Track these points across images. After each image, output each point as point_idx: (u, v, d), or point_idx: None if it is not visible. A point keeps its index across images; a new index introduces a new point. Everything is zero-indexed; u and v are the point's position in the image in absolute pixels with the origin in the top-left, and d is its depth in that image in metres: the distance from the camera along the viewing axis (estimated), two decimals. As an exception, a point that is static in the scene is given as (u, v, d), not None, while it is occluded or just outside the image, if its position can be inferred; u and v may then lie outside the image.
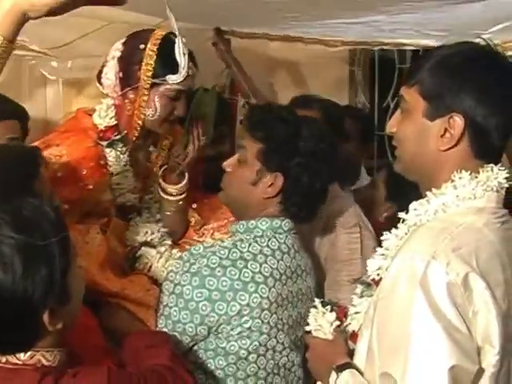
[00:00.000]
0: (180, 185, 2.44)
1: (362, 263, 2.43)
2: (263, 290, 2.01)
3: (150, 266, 2.29)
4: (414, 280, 1.48)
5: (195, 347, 2.06)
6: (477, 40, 1.71)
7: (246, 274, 2.00)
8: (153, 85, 2.30)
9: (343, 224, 2.49)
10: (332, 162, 2.15)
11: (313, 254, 2.41)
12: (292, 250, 2.13)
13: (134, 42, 2.32)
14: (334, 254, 2.47)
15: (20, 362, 1.51)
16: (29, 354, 1.51)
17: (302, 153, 2.07)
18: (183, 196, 2.45)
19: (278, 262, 2.08)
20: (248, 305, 1.99)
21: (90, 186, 2.31)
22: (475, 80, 1.59)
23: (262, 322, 2.02)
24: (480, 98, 1.57)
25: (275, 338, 2.06)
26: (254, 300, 2.00)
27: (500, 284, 1.53)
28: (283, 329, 2.08)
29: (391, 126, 1.71)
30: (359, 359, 1.67)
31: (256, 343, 2.03)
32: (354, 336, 1.78)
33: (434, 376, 1.43)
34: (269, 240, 2.09)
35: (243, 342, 2.02)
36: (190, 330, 2.01)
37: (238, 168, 2.15)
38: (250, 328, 2.01)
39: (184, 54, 2.27)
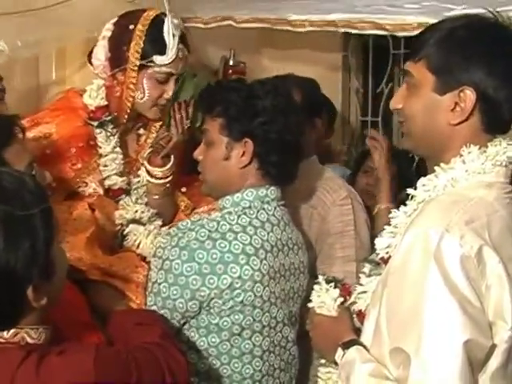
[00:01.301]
0: (165, 167, 2.39)
1: (354, 235, 2.44)
2: (254, 262, 1.98)
3: (139, 243, 2.25)
4: (427, 253, 1.46)
5: (187, 325, 2.02)
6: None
7: (237, 246, 1.97)
8: (141, 67, 2.27)
9: (334, 197, 2.47)
10: (294, 113, 2.11)
11: (304, 233, 2.37)
12: (282, 223, 2.10)
13: (125, 22, 2.28)
14: (326, 228, 2.45)
15: (3, 340, 1.44)
16: (12, 331, 1.45)
17: (261, 111, 2.04)
18: (169, 179, 2.40)
19: (268, 233, 2.04)
20: (239, 277, 1.96)
21: (79, 165, 2.30)
22: (485, 52, 1.56)
23: (255, 295, 1.99)
24: (490, 70, 1.55)
25: (268, 312, 2.04)
26: (246, 272, 1.96)
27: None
28: (276, 303, 2.06)
29: (396, 102, 1.67)
30: (366, 338, 1.64)
31: (249, 318, 2.00)
32: (360, 315, 1.75)
33: (448, 350, 1.41)
34: (257, 212, 2.05)
35: (236, 317, 1.99)
36: (181, 305, 1.97)
37: (207, 152, 2.11)
38: (242, 302, 1.98)
39: (174, 36, 2.23)
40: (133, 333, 1.73)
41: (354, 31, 3.05)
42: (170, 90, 2.31)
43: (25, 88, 2.88)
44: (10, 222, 1.40)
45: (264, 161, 2.06)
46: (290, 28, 3.19)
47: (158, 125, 2.48)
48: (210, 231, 1.97)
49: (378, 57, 4.22)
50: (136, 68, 2.27)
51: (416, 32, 2.72)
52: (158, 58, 2.26)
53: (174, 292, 1.96)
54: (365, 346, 1.63)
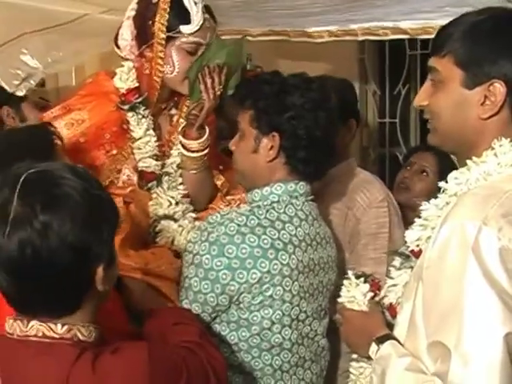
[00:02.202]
0: (201, 139, 2.28)
1: (388, 237, 2.44)
2: (283, 257, 1.99)
3: (173, 240, 2.20)
4: (465, 246, 1.45)
5: (217, 320, 2.03)
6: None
7: (266, 241, 1.97)
8: (168, 39, 2.20)
9: (371, 199, 2.48)
10: (325, 110, 2.09)
11: (338, 233, 2.39)
12: (310, 217, 2.10)
13: None
14: (361, 229, 2.46)
15: (57, 336, 1.45)
16: (66, 327, 1.46)
17: (291, 106, 2.04)
18: (206, 152, 2.30)
19: (296, 228, 2.05)
20: (269, 272, 1.96)
21: (114, 151, 2.25)
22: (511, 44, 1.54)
23: (284, 289, 2.00)
24: None
25: (298, 306, 2.04)
26: (275, 267, 1.97)
27: None
28: (305, 297, 2.06)
29: (422, 99, 1.66)
30: (399, 332, 1.64)
31: (279, 312, 2.01)
32: (391, 309, 1.74)
33: (489, 343, 1.41)
34: (286, 206, 2.06)
35: (265, 311, 2.00)
36: (212, 300, 1.98)
37: (238, 143, 2.12)
38: (271, 296, 1.98)
39: (195, 3, 2.18)
40: (171, 332, 1.73)
41: (374, 38, 3.05)
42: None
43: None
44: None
45: (291, 156, 2.06)
46: (308, 39, 3.20)
47: (189, 103, 2.38)
48: (239, 225, 1.98)
49: (394, 58, 4.22)
50: (163, 41, 2.20)
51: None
52: (184, 28, 2.20)
53: (205, 286, 1.98)
54: (398, 340, 1.63)
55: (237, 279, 1.96)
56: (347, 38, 3.09)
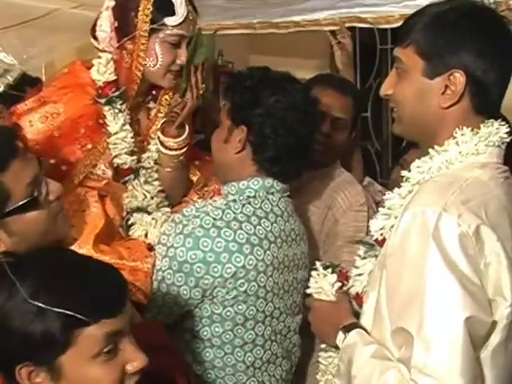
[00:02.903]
0: (180, 138, 2.27)
1: None
2: (258, 252, 2.00)
3: (146, 233, 2.18)
4: (426, 233, 1.47)
5: (190, 314, 2.03)
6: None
7: (241, 236, 1.98)
8: (151, 31, 2.16)
9: (351, 202, 2.48)
10: (299, 111, 2.05)
11: (315, 231, 2.41)
12: (285, 214, 2.11)
13: None
14: (338, 230, 2.46)
15: None
16: None
17: (263, 103, 2.03)
18: (184, 151, 2.29)
19: (271, 224, 2.05)
20: (243, 267, 1.97)
21: (89, 146, 2.21)
22: (473, 35, 1.58)
23: (259, 285, 2.00)
24: (479, 53, 1.57)
25: (271, 302, 2.05)
26: (250, 262, 1.98)
27: (509, 237, 1.54)
28: (279, 293, 2.07)
29: (386, 88, 1.69)
30: (366, 320, 1.67)
31: (253, 308, 2.01)
32: (358, 298, 1.76)
33: (450, 327, 1.43)
34: (262, 202, 2.06)
35: (239, 307, 2.00)
36: (185, 292, 1.98)
37: (215, 132, 2.15)
38: (245, 292, 1.99)
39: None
40: None
41: (337, 28, 3.07)
42: (182, 54, 2.21)
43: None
44: None
45: (258, 153, 2.06)
46: (274, 30, 3.20)
47: (168, 96, 2.37)
48: (214, 219, 1.98)
49: (365, 52, 4.23)
50: (146, 33, 2.16)
51: (399, 23, 2.76)
52: (169, 20, 2.16)
53: (179, 279, 1.98)
54: (365, 329, 1.65)
55: (211, 273, 1.96)
56: (312, 28, 3.11)
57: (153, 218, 2.20)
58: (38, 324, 1.33)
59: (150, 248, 2.15)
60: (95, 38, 2.23)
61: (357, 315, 1.73)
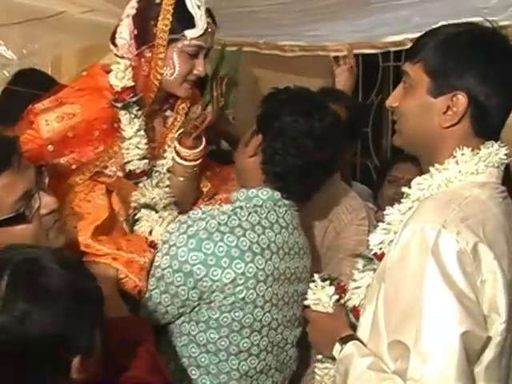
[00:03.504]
0: (196, 150, 2.30)
1: None
2: (260, 262, 2.01)
3: (151, 231, 2.18)
4: (425, 248, 1.51)
5: (187, 318, 2.05)
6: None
7: (244, 243, 2.00)
8: (170, 41, 2.18)
9: (353, 216, 2.50)
10: (322, 145, 2.06)
11: (316, 244, 2.42)
12: (290, 226, 2.13)
13: None
14: (340, 243, 2.47)
15: None
16: None
17: (281, 118, 2.06)
18: (198, 162, 2.32)
19: (275, 235, 2.07)
20: (243, 274, 1.99)
21: (101, 148, 2.23)
22: (479, 60, 1.62)
23: (257, 294, 2.02)
24: (483, 77, 1.61)
25: (269, 313, 2.06)
26: (250, 270, 1.99)
27: (505, 255, 1.58)
28: (278, 304, 2.08)
29: (393, 100, 1.74)
30: (362, 333, 1.70)
31: (250, 316, 2.02)
32: (355, 310, 1.80)
33: (447, 341, 1.46)
34: (268, 212, 2.08)
35: (236, 314, 2.01)
36: (183, 293, 2.00)
37: (245, 135, 2.17)
38: (243, 299, 2.00)
39: (198, 7, 2.18)
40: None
41: (344, 54, 3.08)
42: (199, 64, 2.23)
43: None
44: (72, 289, 1.46)
45: (266, 163, 2.08)
46: (280, 53, 3.23)
47: (185, 105, 2.40)
48: (219, 224, 2.01)
49: (367, 69, 4.27)
50: (165, 43, 2.18)
51: (406, 47, 2.81)
52: (189, 32, 2.18)
53: (178, 279, 2.00)
54: (361, 341, 1.68)
55: (210, 276, 1.98)
56: (318, 52, 3.13)
57: (159, 217, 2.20)
58: None
59: (152, 245, 2.16)
60: (114, 44, 2.25)
61: (353, 328, 1.76)
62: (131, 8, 2.22)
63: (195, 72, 2.24)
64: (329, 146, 2.09)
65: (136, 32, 2.20)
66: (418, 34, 1.81)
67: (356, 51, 3.10)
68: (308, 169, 2.08)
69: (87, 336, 1.48)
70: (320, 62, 3.55)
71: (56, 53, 2.90)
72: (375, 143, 4.41)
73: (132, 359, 1.66)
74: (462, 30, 1.66)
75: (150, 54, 2.21)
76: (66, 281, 1.44)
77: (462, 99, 1.61)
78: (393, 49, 3.02)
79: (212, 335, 2.04)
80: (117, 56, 2.25)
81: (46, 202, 1.83)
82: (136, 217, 2.20)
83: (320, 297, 1.87)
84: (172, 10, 2.17)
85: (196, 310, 2.04)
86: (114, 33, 2.25)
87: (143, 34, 2.20)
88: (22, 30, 2.65)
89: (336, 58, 3.10)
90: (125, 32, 2.22)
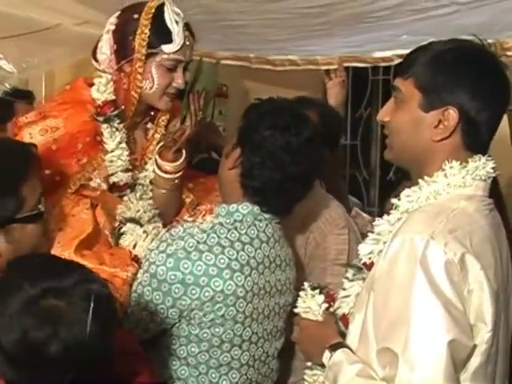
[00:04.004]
0: (177, 163, 2.33)
1: None
2: (238, 278, 2.00)
3: (135, 245, 2.20)
4: (413, 258, 1.53)
5: (168, 333, 2.03)
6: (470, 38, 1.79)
7: (222, 261, 1.99)
8: (149, 55, 2.23)
9: (332, 225, 2.51)
10: (300, 159, 2.05)
11: (298, 254, 2.42)
12: (271, 240, 2.12)
13: (128, 12, 2.27)
14: (321, 253, 2.47)
15: None
16: None
17: (260, 132, 2.04)
18: (179, 174, 2.35)
19: (255, 250, 2.06)
20: (222, 291, 1.98)
21: (84, 160, 2.26)
22: (470, 76, 1.67)
23: (237, 310, 2.01)
24: (474, 93, 1.65)
25: (250, 327, 2.05)
26: (229, 287, 1.98)
27: (491, 266, 1.61)
28: (258, 319, 2.07)
29: (384, 115, 1.77)
30: (351, 340, 1.70)
31: (230, 332, 2.01)
32: (344, 319, 1.81)
33: (434, 349, 1.48)
34: (248, 227, 2.07)
35: (216, 329, 2.00)
36: (162, 311, 1.99)
37: (227, 147, 2.17)
38: (223, 316, 1.99)
39: (177, 22, 2.23)
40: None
41: (334, 67, 3.13)
42: (178, 77, 2.28)
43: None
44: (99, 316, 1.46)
45: (245, 177, 2.07)
46: (270, 67, 3.26)
47: (165, 118, 2.44)
48: (198, 242, 2.00)
49: (357, 82, 4.32)
50: (143, 57, 2.23)
51: (394, 62, 2.85)
52: (165, 47, 2.24)
53: (157, 297, 1.99)
54: (351, 349, 1.69)
55: (189, 295, 1.97)
56: (309, 67, 3.17)
57: (144, 231, 2.23)
58: None
59: (136, 259, 2.17)
60: (96, 59, 2.30)
61: (343, 335, 1.77)
62: (111, 24, 2.28)
63: (174, 85, 2.29)
64: (306, 160, 2.08)
65: (115, 47, 2.26)
66: (406, 51, 1.86)
67: (346, 65, 3.13)
68: (286, 183, 2.07)
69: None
70: (309, 75, 3.61)
71: (53, 66, 2.92)
72: (364, 155, 4.46)
73: (133, 368, 1.67)
74: (451, 46, 1.71)
75: (129, 68, 2.26)
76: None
77: (453, 114, 1.65)
78: (382, 64, 3.06)
79: (193, 349, 2.03)
80: (98, 70, 2.29)
81: (49, 207, 1.93)
82: (121, 231, 2.21)
83: (310, 305, 1.88)
84: (150, 25, 2.22)
85: (177, 325, 2.02)
86: (96, 48, 2.30)
87: (122, 49, 2.25)
88: (20, 43, 2.68)
89: (327, 72, 3.13)
90: (105, 47, 2.27)
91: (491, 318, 1.56)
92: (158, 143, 2.40)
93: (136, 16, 2.23)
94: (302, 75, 3.55)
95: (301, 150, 2.06)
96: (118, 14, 2.29)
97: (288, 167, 2.05)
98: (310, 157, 2.09)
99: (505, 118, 2.50)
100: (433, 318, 1.50)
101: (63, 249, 2.07)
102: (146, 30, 2.22)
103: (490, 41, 2.38)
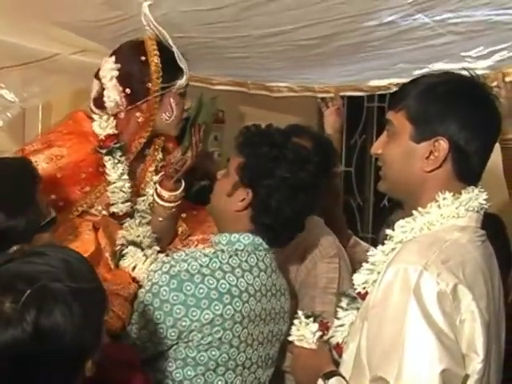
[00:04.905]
0: (176, 192, 2.42)
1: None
2: (237, 304, 2.04)
3: (134, 267, 2.27)
4: (407, 288, 1.56)
5: (165, 355, 2.05)
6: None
7: (223, 286, 2.03)
8: (163, 89, 2.34)
9: (323, 254, 2.52)
10: (310, 194, 2.12)
11: (290, 281, 2.43)
12: (269, 269, 2.16)
13: (130, 56, 2.35)
14: (311, 282, 2.48)
15: None
16: None
17: (275, 176, 2.07)
18: (177, 203, 2.44)
19: (254, 278, 2.10)
20: (221, 315, 2.01)
21: (87, 188, 2.34)
22: (460, 108, 1.71)
23: (233, 334, 2.04)
24: (463, 124, 1.69)
25: (244, 352, 2.08)
26: (228, 312, 2.02)
27: (483, 296, 1.63)
28: (253, 345, 2.11)
29: (377, 147, 1.81)
30: (345, 369, 1.73)
31: (225, 355, 2.04)
32: (338, 348, 1.83)
33: (427, 378, 1.50)
34: (248, 255, 2.11)
35: (213, 352, 2.03)
36: (161, 331, 2.01)
37: (221, 178, 2.19)
38: (220, 339, 2.02)
39: (179, 57, 2.35)
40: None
41: (331, 95, 3.17)
42: (188, 102, 2.43)
43: (10, 140, 3.01)
44: (80, 296, 1.45)
45: (257, 217, 2.11)
46: (267, 93, 3.30)
47: (161, 141, 2.54)
48: (201, 266, 2.04)
49: (352, 109, 4.35)
50: (159, 94, 2.33)
51: (390, 91, 2.89)
52: (179, 83, 2.37)
53: (158, 316, 2.02)
54: (344, 377, 1.71)
55: (190, 316, 2.00)
56: (305, 93, 3.20)
57: (144, 255, 2.29)
58: None
59: (135, 281, 2.24)
60: (102, 107, 2.36)
61: (336, 364, 1.79)
62: (111, 69, 2.33)
63: (185, 108, 2.41)
64: (315, 197, 2.15)
65: (129, 91, 2.33)
66: (402, 79, 1.88)
67: (342, 94, 3.16)
68: (295, 218, 2.13)
69: (99, 336, 1.50)
70: (304, 101, 3.64)
71: (53, 94, 2.95)
72: (358, 182, 4.49)
73: (128, 377, 1.70)
74: (442, 79, 1.76)
75: (145, 105, 2.34)
76: (73, 291, 1.44)
77: (443, 144, 1.68)
78: (378, 92, 3.09)
79: (189, 372, 2.05)
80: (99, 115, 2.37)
81: (50, 209, 1.99)
82: (123, 252, 2.28)
83: (304, 333, 1.91)
84: (162, 65, 2.33)
85: (174, 348, 2.05)
86: (99, 99, 2.36)
87: (137, 92, 2.34)
88: (21, 72, 2.71)
89: (324, 100, 3.16)
90: (113, 94, 2.34)
91: (483, 348, 1.58)
92: (156, 167, 2.50)
93: (143, 58, 2.33)
94: (297, 100, 3.57)
95: (312, 187, 2.12)
96: (113, 58, 2.35)
97: (301, 206, 2.11)
98: (318, 192, 2.16)
99: (497, 147, 2.55)
100: (426, 347, 1.52)
101: None
102: (161, 72, 2.32)
103: (483, 72, 2.44)
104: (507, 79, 2.59)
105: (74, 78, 2.86)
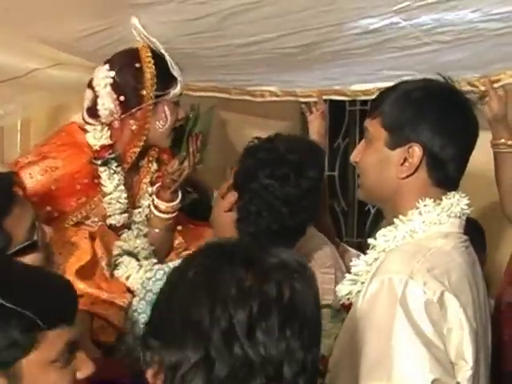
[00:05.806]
0: (173, 203, 2.42)
1: None
2: None
3: (128, 276, 2.27)
4: (393, 299, 1.54)
5: None
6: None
7: None
8: (157, 96, 2.34)
9: (319, 264, 2.48)
10: (295, 209, 2.03)
11: None
12: None
13: (126, 63, 2.34)
14: None
15: None
16: None
17: (258, 180, 2.01)
18: (174, 215, 2.43)
19: None
20: None
21: (83, 199, 2.34)
22: (433, 114, 1.70)
23: None
24: (437, 130, 1.69)
25: None
26: None
27: (469, 303, 1.62)
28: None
29: (355, 155, 1.81)
30: (331, 382, 1.70)
31: None
32: (323, 360, 1.80)
33: None
34: None
35: None
36: None
37: (223, 185, 2.16)
38: None
39: (172, 66, 2.35)
40: None
41: (314, 100, 3.14)
42: (181, 110, 2.43)
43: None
44: None
45: (241, 221, 2.06)
46: (249, 98, 3.28)
47: (155, 152, 2.53)
48: None
49: (334, 113, 4.33)
50: (153, 101, 2.33)
51: (374, 96, 2.87)
52: (172, 92, 2.37)
53: None
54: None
55: None
56: (288, 98, 3.18)
57: (139, 265, 2.30)
58: None
59: (129, 291, 2.24)
60: (96, 116, 2.35)
61: (322, 375, 1.77)
62: (106, 77, 2.32)
63: (179, 117, 2.41)
64: (304, 212, 2.07)
65: (123, 98, 2.32)
66: (386, 84, 1.88)
67: (325, 97, 3.14)
68: (282, 232, 2.06)
69: None
70: (286, 105, 3.62)
71: (30, 111, 2.91)
72: (342, 186, 4.47)
73: None
74: (417, 85, 1.75)
75: (139, 113, 2.34)
76: None
77: (417, 150, 1.68)
78: (362, 97, 3.08)
79: None
80: (93, 125, 2.36)
81: (46, 230, 1.88)
82: (117, 262, 2.28)
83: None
84: (156, 73, 2.33)
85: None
86: (93, 107, 2.35)
87: (131, 99, 2.33)
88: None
89: (307, 104, 3.13)
90: (107, 102, 2.33)
91: (471, 355, 1.57)
92: (150, 178, 2.50)
93: (138, 65, 2.32)
94: (279, 105, 3.56)
95: (300, 201, 2.03)
96: (106, 66, 2.34)
97: (286, 219, 2.04)
98: (308, 208, 2.08)
99: (490, 152, 2.53)
100: (415, 357, 1.50)
101: (65, 273, 2.11)
102: (155, 79, 2.32)
103: (476, 77, 2.43)
104: (495, 85, 2.60)
105: (52, 94, 2.83)
